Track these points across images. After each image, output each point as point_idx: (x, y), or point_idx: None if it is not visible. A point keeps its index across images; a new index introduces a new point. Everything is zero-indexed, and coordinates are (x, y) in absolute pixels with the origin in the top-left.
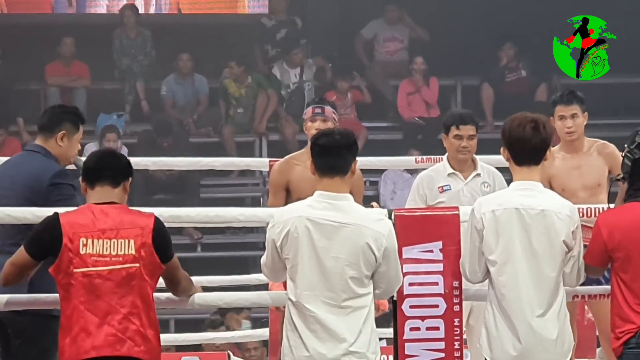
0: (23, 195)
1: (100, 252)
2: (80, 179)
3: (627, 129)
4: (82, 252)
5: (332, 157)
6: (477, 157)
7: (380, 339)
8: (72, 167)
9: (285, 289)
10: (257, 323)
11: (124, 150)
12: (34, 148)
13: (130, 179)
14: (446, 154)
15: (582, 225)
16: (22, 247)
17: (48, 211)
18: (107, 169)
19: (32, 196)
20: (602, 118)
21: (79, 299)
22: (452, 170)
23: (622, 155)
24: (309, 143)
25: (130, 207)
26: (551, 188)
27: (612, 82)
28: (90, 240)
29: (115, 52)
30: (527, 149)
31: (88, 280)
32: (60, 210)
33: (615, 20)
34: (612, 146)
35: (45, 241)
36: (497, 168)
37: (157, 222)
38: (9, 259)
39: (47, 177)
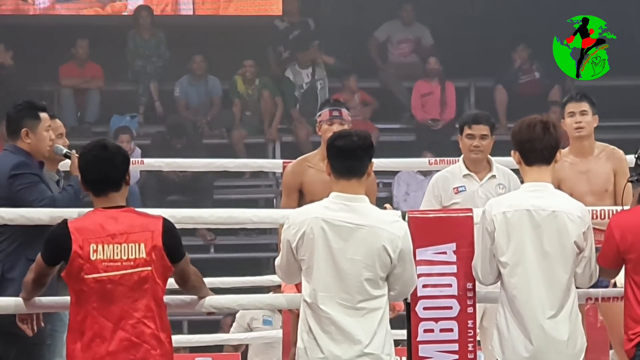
0: None
1: (111, 257)
2: (79, 179)
3: (637, 131)
4: (92, 258)
5: (350, 159)
6: (492, 158)
7: (394, 340)
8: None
9: (298, 291)
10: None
11: (137, 152)
12: (6, 147)
13: (128, 171)
14: (462, 155)
15: (593, 228)
16: (39, 254)
17: (60, 212)
18: (107, 179)
19: (1, 192)
20: (612, 120)
21: (92, 305)
22: (467, 172)
23: (635, 157)
24: (322, 144)
25: (138, 209)
26: None
27: (624, 84)
28: (100, 246)
29: (129, 53)
30: (537, 149)
31: (100, 286)
32: (69, 213)
33: (626, 22)
34: (621, 152)
35: (57, 248)
36: (512, 170)
37: (166, 223)
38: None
39: (6, 171)
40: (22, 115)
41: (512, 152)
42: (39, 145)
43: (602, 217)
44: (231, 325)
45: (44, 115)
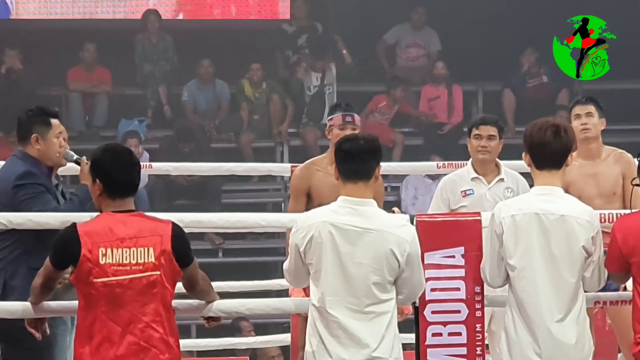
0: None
1: (120, 261)
2: (97, 180)
3: None
4: (101, 262)
5: (356, 162)
6: (501, 162)
7: (402, 344)
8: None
9: (306, 294)
10: (279, 328)
11: (145, 156)
12: (14, 152)
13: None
14: (470, 159)
15: (602, 232)
16: (47, 258)
17: (69, 217)
18: (133, 184)
19: (4, 200)
20: (618, 123)
21: (101, 309)
22: (475, 175)
23: (638, 160)
24: (331, 148)
25: (147, 214)
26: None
27: (631, 87)
28: (109, 250)
29: (137, 57)
30: (548, 154)
31: (109, 290)
32: (78, 217)
33: (634, 26)
34: (629, 156)
35: (65, 252)
36: (520, 173)
37: (175, 228)
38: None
39: (11, 180)
40: (32, 121)
41: (523, 154)
42: (48, 152)
43: (611, 220)
44: (250, 329)
45: (55, 121)
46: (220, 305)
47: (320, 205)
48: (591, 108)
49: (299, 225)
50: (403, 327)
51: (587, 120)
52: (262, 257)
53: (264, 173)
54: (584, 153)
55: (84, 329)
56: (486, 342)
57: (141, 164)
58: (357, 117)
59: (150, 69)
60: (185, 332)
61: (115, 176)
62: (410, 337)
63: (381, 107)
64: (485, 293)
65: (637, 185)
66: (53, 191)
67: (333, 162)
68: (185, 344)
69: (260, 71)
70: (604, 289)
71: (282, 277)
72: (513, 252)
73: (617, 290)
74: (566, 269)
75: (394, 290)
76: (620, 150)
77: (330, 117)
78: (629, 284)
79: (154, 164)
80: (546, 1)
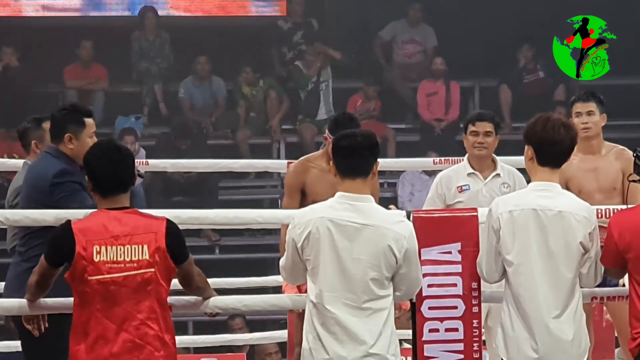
0: (31, 196)
1: (115, 259)
2: (86, 177)
3: None
4: (96, 259)
5: (354, 158)
6: (498, 157)
7: (400, 340)
8: None
9: (299, 292)
10: (276, 325)
11: (142, 153)
12: (47, 149)
13: (135, 172)
14: (467, 155)
15: (600, 227)
16: (42, 255)
17: (66, 213)
18: (121, 181)
19: (38, 196)
20: (616, 119)
21: (95, 306)
22: (471, 170)
23: (634, 156)
24: (326, 147)
25: (142, 210)
26: (568, 190)
27: (628, 83)
28: (103, 248)
29: (133, 54)
30: (557, 151)
31: (103, 288)
32: (73, 214)
33: (633, 20)
34: (630, 152)
35: (60, 249)
36: (517, 169)
37: (170, 225)
38: (34, 268)
39: (49, 177)
40: (66, 120)
41: (526, 147)
42: (81, 152)
43: (609, 215)
44: (241, 326)
45: (89, 121)
46: (217, 302)
47: (314, 201)
48: (592, 106)
49: (297, 221)
50: (400, 323)
51: (587, 119)
52: (258, 254)
53: (261, 170)
54: (584, 148)
55: (79, 327)
56: (483, 337)
57: (137, 160)
58: None
59: (147, 66)
60: (182, 329)
61: (98, 173)
62: (407, 333)
63: (359, 106)
64: (482, 289)
65: (634, 181)
66: (87, 189)
67: (329, 159)
68: (182, 340)
69: (250, 74)
70: (605, 284)
71: (279, 273)
72: (510, 247)
73: (616, 285)
74: (563, 265)
75: (392, 286)
76: (621, 147)
77: (331, 133)
78: (626, 279)
79: (151, 161)
80: None
